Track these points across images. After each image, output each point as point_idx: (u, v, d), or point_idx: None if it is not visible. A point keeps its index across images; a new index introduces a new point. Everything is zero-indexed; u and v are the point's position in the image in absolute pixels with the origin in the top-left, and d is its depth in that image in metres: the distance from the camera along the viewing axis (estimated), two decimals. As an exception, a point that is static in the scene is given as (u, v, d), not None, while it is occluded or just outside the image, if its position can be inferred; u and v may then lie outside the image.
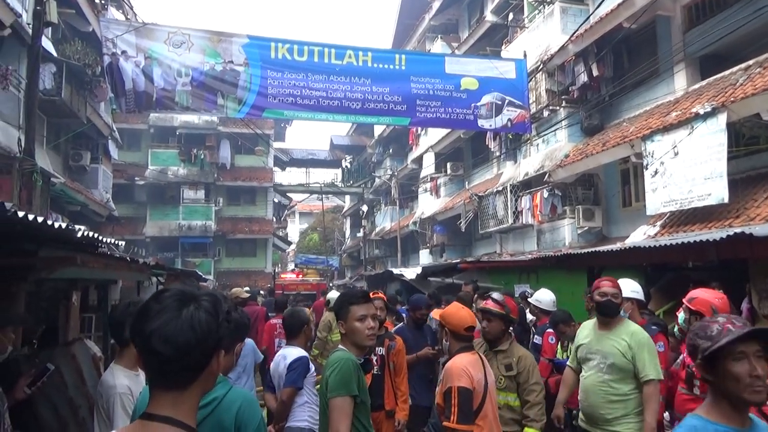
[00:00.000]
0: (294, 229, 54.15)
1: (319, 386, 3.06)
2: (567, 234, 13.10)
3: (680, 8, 10.88)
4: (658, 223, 10.30)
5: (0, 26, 11.39)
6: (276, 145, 36.18)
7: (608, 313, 3.83)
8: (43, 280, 3.60)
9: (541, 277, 9.77)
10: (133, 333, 1.27)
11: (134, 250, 20.04)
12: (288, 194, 39.08)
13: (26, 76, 9.87)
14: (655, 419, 3.60)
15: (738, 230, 5.11)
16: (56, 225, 2.74)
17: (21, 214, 2.30)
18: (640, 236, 10.20)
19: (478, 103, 8.48)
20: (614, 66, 12.51)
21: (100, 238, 3.37)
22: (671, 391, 4.17)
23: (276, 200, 36.26)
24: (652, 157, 10.27)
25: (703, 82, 10.31)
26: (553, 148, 13.85)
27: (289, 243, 43.88)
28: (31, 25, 9.67)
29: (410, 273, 14.25)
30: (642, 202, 11.12)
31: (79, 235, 2.86)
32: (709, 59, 10.54)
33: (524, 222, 14.68)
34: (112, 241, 4.23)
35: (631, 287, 4.67)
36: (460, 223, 17.78)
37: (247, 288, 13.97)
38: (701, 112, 9.22)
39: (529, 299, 6.80)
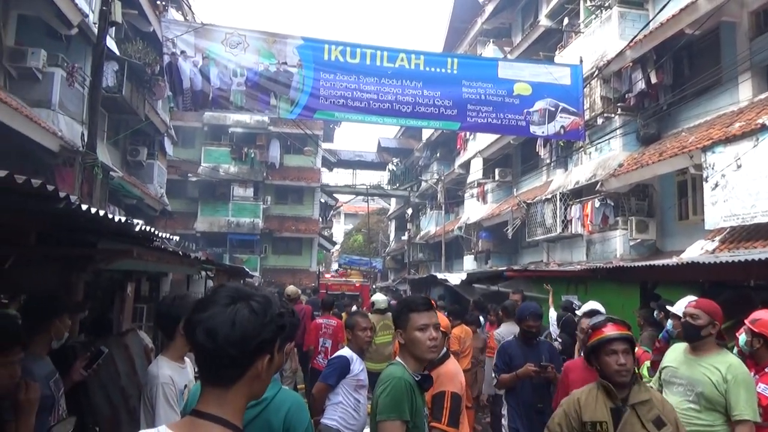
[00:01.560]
0: (339, 229, 54.62)
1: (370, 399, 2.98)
2: (618, 245, 12.70)
3: (747, 14, 10.41)
4: (717, 238, 9.86)
5: (68, 25, 11.96)
6: (324, 145, 36.60)
7: (686, 336, 3.55)
8: (100, 270, 3.74)
9: (590, 289, 9.49)
10: (185, 323, 1.31)
11: (185, 244, 20.61)
12: (334, 195, 39.47)
13: (90, 73, 10.31)
14: None
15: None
16: (116, 219, 2.83)
17: (84, 207, 2.39)
18: (696, 251, 9.79)
19: (531, 109, 8.33)
20: (674, 74, 12.07)
21: (156, 232, 3.48)
22: None
23: (322, 200, 36.68)
24: (712, 169, 9.84)
25: (771, 92, 9.83)
26: (606, 157, 13.47)
27: (334, 243, 44.30)
28: (96, 25, 10.10)
29: (454, 278, 14.12)
30: (700, 215, 10.68)
31: (137, 229, 2.95)
32: (777, 68, 10.05)
33: (573, 231, 14.33)
34: (166, 235, 4.34)
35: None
36: (507, 230, 17.52)
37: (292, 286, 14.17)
38: (767, 123, 8.79)
39: (576, 311, 6.61)
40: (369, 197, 36.27)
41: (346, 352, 4.11)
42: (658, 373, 3.87)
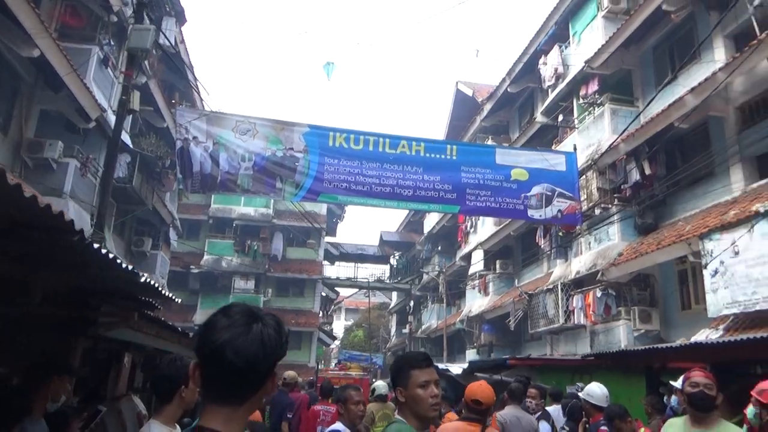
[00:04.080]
0: (339, 325, 53.81)
1: None
2: (622, 336, 12.50)
3: (733, 109, 10.94)
4: (721, 327, 9.73)
5: (86, 120, 12.60)
6: (327, 239, 36.97)
7: (701, 406, 3.43)
8: (99, 337, 3.74)
9: (595, 379, 9.26)
10: (202, 345, 1.30)
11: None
12: (336, 288, 39.26)
13: (104, 164, 10.73)
14: None
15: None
16: (124, 265, 2.89)
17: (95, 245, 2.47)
18: (701, 340, 9.65)
19: (528, 194, 8.57)
20: (667, 165, 12.48)
21: (160, 288, 3.51)
22: None
23: (324, 294, 36.46)
24: (711, 256, 9.91)
25: (762, 182, 10.11)
26: (605, 247, 13.59)
27: (334, 338, 43.48)
28: (114, 113, 10.66)
29: (456, 368, 13.80)
30: (702, 304, 10.61)
31: (142, 280, 3.00)
32: (766, 158, 10.40)
33: (576, 322, 14.15)
34: (171, 295, 4.36)
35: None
36: (509, 321, 17.30)
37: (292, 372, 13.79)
38: (762, 210, 8.97)
39: (579, 393, 6.44)
40: (370, 291, 36.01)
41: (339, 426, 3.99)
42: None
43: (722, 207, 10.60)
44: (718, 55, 11.37)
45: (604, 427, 5.30)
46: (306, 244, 33.12)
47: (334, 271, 40.03)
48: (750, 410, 3.77)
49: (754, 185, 10.28)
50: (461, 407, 8.02)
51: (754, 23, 10.07)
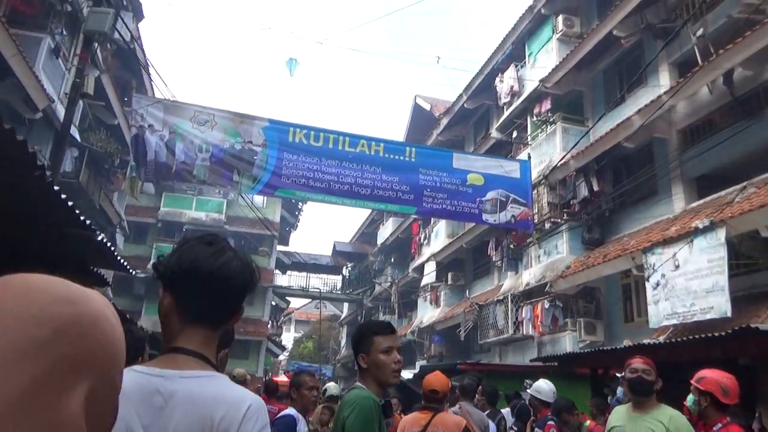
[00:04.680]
0: (289, 337, 53.04)
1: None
2: (568, 346, 12.85)
3: (675, 132, 11.51)
4: (662, 337, 10.14)
5: (33, 110, 12.10)
6: (279, 247, 36.52)
7: (639, 390, 3.61)
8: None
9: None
10: (186, 268, 1.32)
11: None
12: (286, 297, 38.72)
13: (49, 156, 10.32)
14: None
15: (744, 326, 5.08)
16: (81, 217, 2.76)
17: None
18: (643, 349, 10.03)
19: (483, 198, 8.76)
20: (614, 182, 12.99)
21: (111, 247, 3.34)
22: None
23: (274, 303, 35.90)
24: (653, 269, 10.35)
25: (701, 201, 10.65)
26: (554, 260, 13.98)
27: (283, 348, 42.79)
28: (63, 109, 10.29)
29: (407, 373, 13.87)
30: (644, 317, 11.04)
31: (99, 239, 2.86)
32: (705, 179, 10.98)
33: (525, 333, 14.45)
34: (128, 266, 4.17)
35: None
36: (460, 332, 17.50)
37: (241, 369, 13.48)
38: (700, 226, 9.44)
39: (527, 389, 6.58)
40: (322, 302, 35.72)
41: (291, 411, 3.91)
42: None
43: (664, 224, 11.10)
44: (663, 80, 11.97)
45: (551, 422, 5.43)
46: (258, 252, 32.59)
47: (285, 280, 39.55)
48: (689, 398, 3.94)
49: (694, 204, 10.81)
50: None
51: (696, 52, 10.67)
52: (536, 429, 5.81)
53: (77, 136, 14.80)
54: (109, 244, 3.05)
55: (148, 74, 18.89)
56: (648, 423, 3.49)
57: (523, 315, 14.55)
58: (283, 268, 37.34)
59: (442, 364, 14.54)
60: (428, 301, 21.88)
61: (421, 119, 25.58)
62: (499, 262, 17.06)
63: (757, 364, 5.93)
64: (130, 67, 17.51)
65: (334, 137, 8.22)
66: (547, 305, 13.59)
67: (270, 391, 7.69)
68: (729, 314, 8.67)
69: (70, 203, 2.47)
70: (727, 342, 5.20)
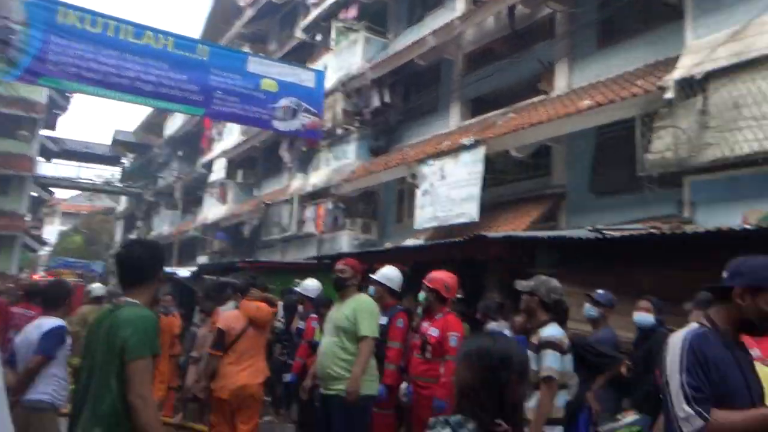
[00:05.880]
0: (53, 230, 47.71)
1: None
2: (345, 244, 13.85)
3: (462, 55, 12.62)
4: (423, 237, 11.52)
5: None
6: (45, 132, 31.95)
7: (335, 286, 4.50)
8: None
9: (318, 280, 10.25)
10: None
11: None
12: (51, 188, 34.54)
13: None
14: (362, 370, 4.15)
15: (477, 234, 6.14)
16: None
17: None
18: (407, 246, 11.30)
19: (275, 105, 8.64)
20: (404, 96, 13.90)
21: None
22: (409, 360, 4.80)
23: (34, 194, 31.81)
24: (424, 179, 11.54)
25: (472, 120, 12.01)
26: (342, 164, 14.67)
27: (44, 243, 38.55)
28: None
29: (184, 272, 13.70)
30: (412, 219, 12.35)
31: None
32: (479, 101, 12.34)
33: (307, 231, 15.15)
34: None
35: (386, 273, 5.22)
36: (244, 229, 17.63)
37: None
38: (467, 143, 10.71)
39: (296, 288, 7.07)
40: (95, 194, 32.68)
41: (58, 321, 4.00)
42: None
43: (439, 138, 12.31)
44: (459, 5, 12.85)
45: (314, 314, 6.06)
46: (16, 135, 28.10)
47: (51, 169, 34.95)
48: (421, 294, 4.77)
49: (466, 123, 12.16)
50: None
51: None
52: (300, 321, 6.55)
53: None
54: None
55: None
56: (343, 309, 4.35)
57: (307, 215, 15.19)
58: (49, 155, 32.98)
59: (221, 262, 14.64)
60: (215, 198, 21.45)
61: (225, 7, 23.85)
62: (290, 164, 17.32)
63: (487, 263, 7.18)
64: None
65: (115, 24, 7.29)
66: (330, 206, 14.36)
67: (32, 295, 6.67)
68: (476, 220, 10.17)
69: None
70: (466, 245, 6.22)
